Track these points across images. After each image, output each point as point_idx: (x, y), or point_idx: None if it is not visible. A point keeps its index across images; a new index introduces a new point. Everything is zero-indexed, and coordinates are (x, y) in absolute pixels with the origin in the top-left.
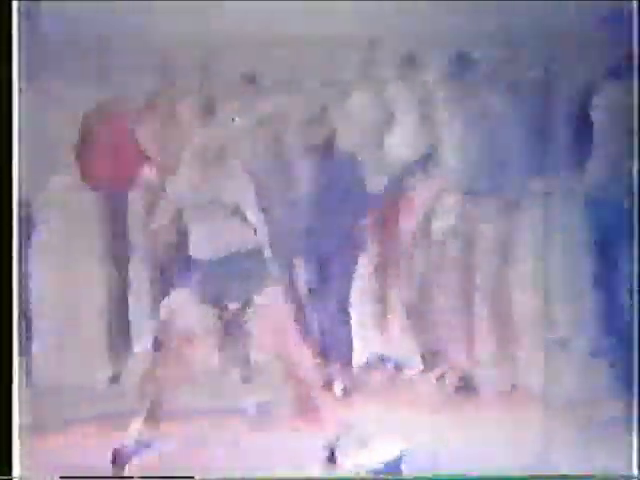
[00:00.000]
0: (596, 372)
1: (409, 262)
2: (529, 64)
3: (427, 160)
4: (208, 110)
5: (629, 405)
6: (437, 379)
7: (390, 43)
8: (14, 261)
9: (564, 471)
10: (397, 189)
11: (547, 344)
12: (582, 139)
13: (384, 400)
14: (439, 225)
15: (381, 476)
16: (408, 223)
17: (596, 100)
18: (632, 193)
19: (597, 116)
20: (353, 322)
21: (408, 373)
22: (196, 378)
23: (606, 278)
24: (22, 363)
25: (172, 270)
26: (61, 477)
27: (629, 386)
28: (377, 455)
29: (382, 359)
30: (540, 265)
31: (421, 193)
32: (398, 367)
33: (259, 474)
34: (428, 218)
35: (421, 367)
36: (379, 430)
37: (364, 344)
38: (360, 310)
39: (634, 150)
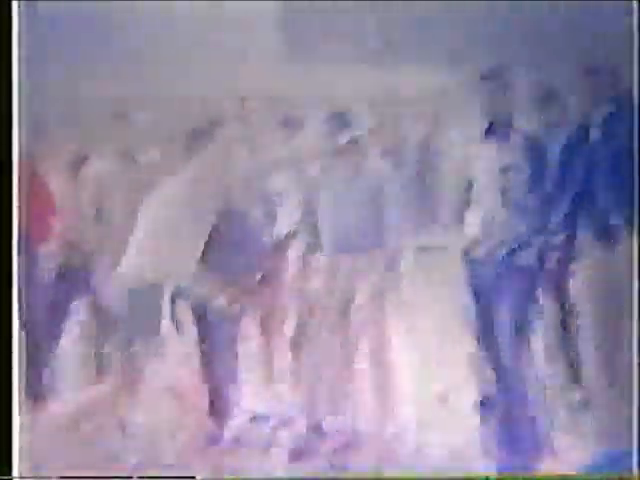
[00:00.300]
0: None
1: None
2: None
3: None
4: None
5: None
6: None
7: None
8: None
9: (564, 471)
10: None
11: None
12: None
13: None
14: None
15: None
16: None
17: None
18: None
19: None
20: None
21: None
22: None
23: (484, 329)
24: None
25: None
26: (61, 477)
27: None
28: None
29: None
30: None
31: (293, 253)
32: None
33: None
34: (304, 277)
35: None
36: None
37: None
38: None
39: (634, 167)
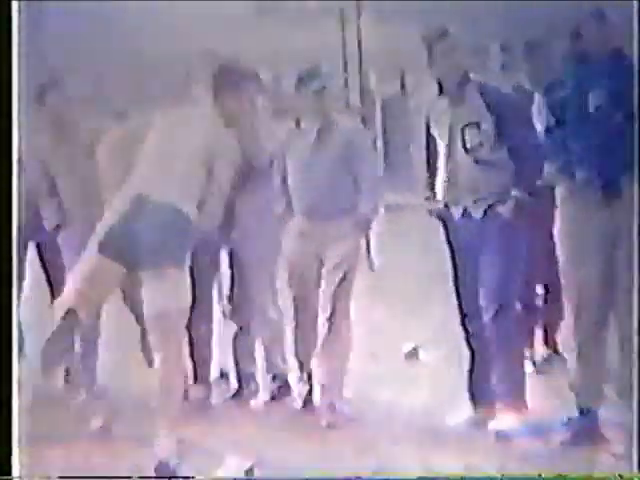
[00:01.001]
0: None
1: None
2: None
3: None
4: None
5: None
6: None
7: None
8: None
9: (564, 471)
10: None
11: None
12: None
13: None
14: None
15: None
16: None
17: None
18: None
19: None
20: None
21: None
22: None
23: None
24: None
25: None
26: (61, 477)
27: None
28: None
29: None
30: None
31: None
32: None
33: None
34: None
35: None
36: None
37: None
38: None
39: (635, 151)
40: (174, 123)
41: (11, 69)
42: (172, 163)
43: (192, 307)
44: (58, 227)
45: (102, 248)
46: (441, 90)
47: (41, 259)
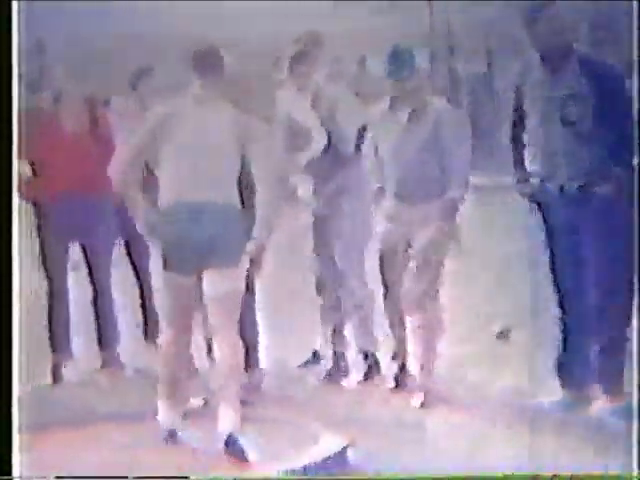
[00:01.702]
0: None
1: None
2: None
3: None
4: None
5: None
6: None
7: None
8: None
9: (564, 471)
10: None
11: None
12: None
13: None
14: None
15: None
16: None
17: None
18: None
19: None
20: None
21: None
22: None
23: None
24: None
25: None
26: (60, 477)
27: None
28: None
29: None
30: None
31: None
32: None
33: None
34: None
35: None
36: None
37: None
38: None
39: (634, 147)
40: (199, 119)
41: (11, 70)
42: (204, 159)
43: None
44: None
45: (167, 265)
46: (542, 61)
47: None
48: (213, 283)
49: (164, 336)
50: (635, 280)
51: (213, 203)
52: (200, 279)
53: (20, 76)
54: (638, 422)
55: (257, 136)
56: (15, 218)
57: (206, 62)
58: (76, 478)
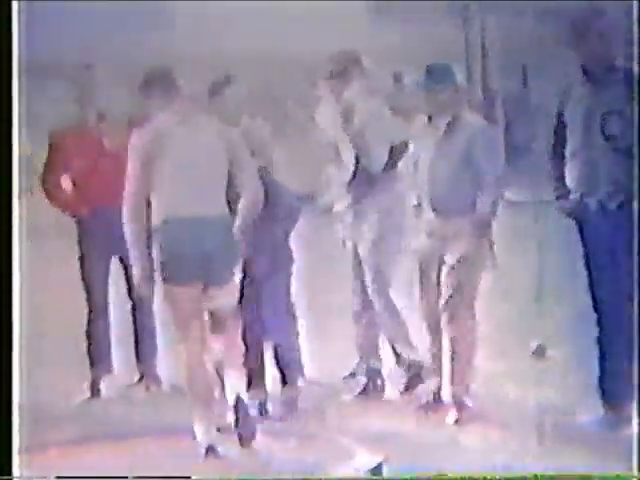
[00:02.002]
0: None
1: None
2: None
3: None
4: None
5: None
6: None
7: None
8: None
9: (564, 471)
10: None
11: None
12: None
13: None
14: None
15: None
16: None
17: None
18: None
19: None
20: None
21: None
22: None
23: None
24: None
25: None
26: (59, 477)
27: None
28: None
29: None
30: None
31: None
32: None
33: None
34: None
35: None
36: None
37: None
38: None
39: (635, 151)
40: (187, 135)
41: (11, 69)
42: (195, 175)
43: None
44: None
45: (167, 280)
46: (584, 75)
47: None
48: (210, 298)
49: (177, 353)
50: None
51: (205, 217)
52: (199, 291)
53: (20, 76)
54: (638, 422)
55: (241, 149)
56: (15, 223)
57: (159, 84)
58: (76, 478)
